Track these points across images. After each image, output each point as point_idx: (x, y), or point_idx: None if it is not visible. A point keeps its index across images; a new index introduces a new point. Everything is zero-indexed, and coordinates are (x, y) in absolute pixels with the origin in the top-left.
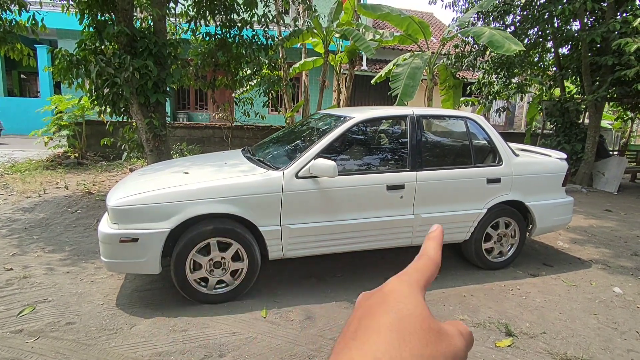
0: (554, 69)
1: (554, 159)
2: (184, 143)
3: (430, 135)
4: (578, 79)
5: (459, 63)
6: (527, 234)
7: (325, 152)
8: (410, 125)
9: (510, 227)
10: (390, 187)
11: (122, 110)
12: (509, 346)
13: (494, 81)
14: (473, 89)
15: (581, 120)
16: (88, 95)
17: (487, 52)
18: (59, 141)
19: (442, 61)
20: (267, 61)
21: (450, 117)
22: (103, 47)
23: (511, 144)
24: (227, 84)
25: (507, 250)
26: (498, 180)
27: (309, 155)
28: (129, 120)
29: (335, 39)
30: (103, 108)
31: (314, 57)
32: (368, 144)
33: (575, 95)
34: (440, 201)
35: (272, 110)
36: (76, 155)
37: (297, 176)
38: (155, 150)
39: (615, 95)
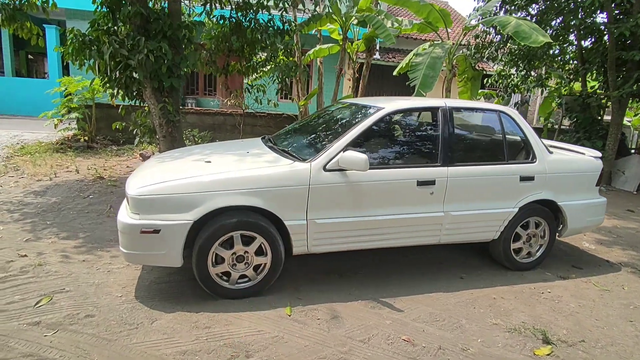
0: (574, 62)
1: (589, 157)
2: (195, 130)
3: (462, 129)
4: (600, 74)
5: (478, 54)
6: (557, 234)
7: (354, 144)
8: (442, 118)
9: (540, 227)
10: (421, 183)
11: (134, 94)
12: (548, 355)
13: (513, 74)
14: (491, 81)
15: (601, 117)
16: (100, 77)
17: (508, 44)
18: (69, 124)
19: (461, 51)
20: (282, 47)
21: (483, 110)
22: (116, 27)
23: (545, 141)
24: (240, 70)
25: (536, 251)
26: (531, 178)
27: (337, 147)
28: (141, 104)
29: (352, 26)
30: (115, 91)
31: (330, 44)
32: (398, 137)
33: (598, 91)
34: (471, 199)
35: (282, 97)
36: (86, 138)
37: (325, 169)
38: (168, 137)
39: (638, 92)
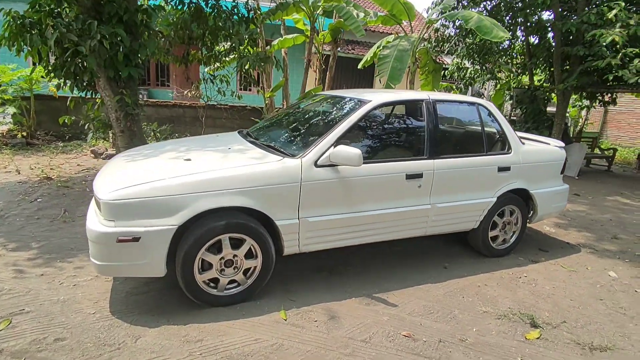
0: (522, 57)
1: (554, 147)
2: (153, 123)
3: (444, 121)
4: (546, 68)
5: (438, 47)
6: (527, 221)
7: (343, 139)
8: (426, 111)
9: (514, 214)
10: (410, 176)
11: (85, 84)
12: (537, 338)
13: (469, 67)
14: (447, 74)
15: (546, 108)
16: (43, 65)
17: (466, 38)
18: (3, 118)
19: (422, 45)
20: (247, 36)
21: (462, 103)
22: (60, 9)
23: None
24: (200, 59)
25: (510, 238)
26: (508, 169)
27: (327, 142)
28: (93, 96)
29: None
30: (62, 81)
31: (294, 35)
32: (384, 130)
33: (544, 84)
34: (455, 190)
35: (241, 89)
36: (24, 134)
37: (316, 165)
38: (126, 131)
39: (580, 85)
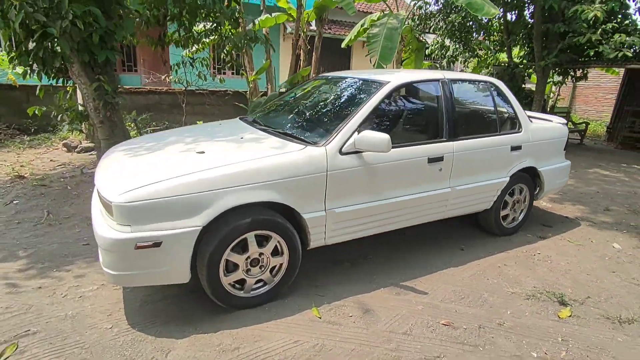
0: (499, 34)
1: (558, 125)
2: (133, 112)
3: (459, 101)
4: (524, 45)
5: (421, 25)
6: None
7: (364, 123)
8: (443, 91)
9: (522, 193)
10: (431, 160)
11: (55, 71)
12: (569, 316)
13: (450, 45)
14: (428, 52)
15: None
16: (5, 50)
17: (451, 15)
18: None
19: (406, 23)
20: (230, 15)
21: (475, 81)
22: None
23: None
24: (178, 41)
25: (519, 216)
26: (519, 148)
27: (350, 127)
28: (64, 84)
29: None
30: (29, 68)
31: (277, 13)
32: (403, 113)
33: (524, 61)
34: (472, 172)
35: (215, 73)
36: None
37: (340, 152)
38: (106, 122)
39: (560, 61)
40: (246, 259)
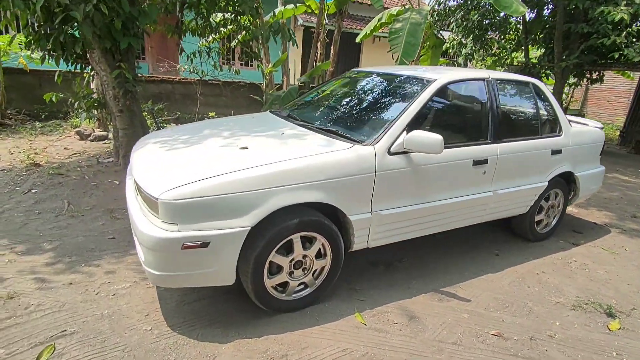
0: (516, 33)
1: (596, 129)
2: (149, 102)
3: (503, 102)
4: (542, 45)
5: (441, 22)
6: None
7: (414, 122)
8: (488, 91)
9: (557, 198)
10: (476, 162)
11: (75, 57)
12: (619, 329)
13: (466, 43)
14: (445, 49)
15: None
16: (25, 33)
17: (472, 12)
18: None
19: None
20: (252, 4)
21: (517, 82)
22: None
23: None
24: (195, 30)
25: (552, 221)
26: (560, 152)
27: (398, 126)
28: (82, 70)
29: None
30: (48, 53)
31: (291, 5)
32: (448, 112)
33: (542, 62)
34: (513, 176)
35: (224, 63)
36: None
37: (389, 152)
38: (126, 111)
39: (581, 63)
40: (290, 261)
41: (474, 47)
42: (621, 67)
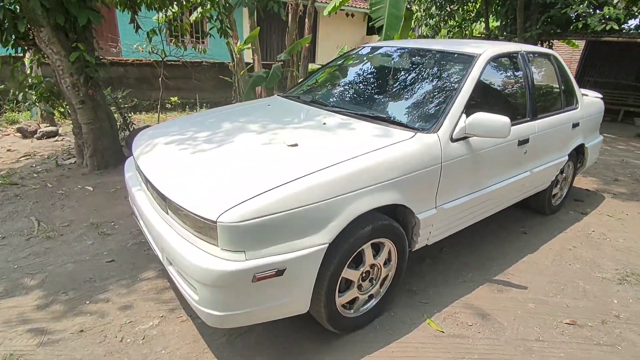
0: (472, 3)
1: (597, 99)
2: (108, 88)
3: (534, 77)
4: (506, 15)
5: None
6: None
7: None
8: (523, 65)
9: (569, 169)
10: (520, 142)
11: (17, 37)
12: None
13: (435, 14)
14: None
15: None
16: None
17: None
18: None
19: None
20: None
21: (540, 54)
22: None
23: None
24: (151, 3)
25: (563, 193)
26: (578, 125)
27: (456, 109)
28: (23, 53)
29: None
30: None
31: None
32: (493, 90)
33: (504, 33)
34: (545, 153)
35: (171, 41)
36: None
37: (451, 139)
38: (88, 102)
39: (543, 33)
40: (361, 274)
41: (441, 18)
42: (584, 36)
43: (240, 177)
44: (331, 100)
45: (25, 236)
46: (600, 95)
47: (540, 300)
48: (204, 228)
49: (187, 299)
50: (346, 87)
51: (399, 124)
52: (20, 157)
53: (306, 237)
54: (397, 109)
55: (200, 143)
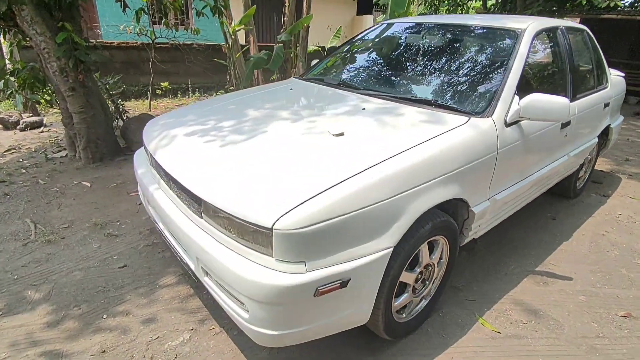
0: None
1: (620, 78)
2: (97, 74)
3: (572, 54)
4: None
5: None
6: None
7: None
8: (564, 41)
9: (593, 151)
10: (563, 125)
11: None
12: None
13: None
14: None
15: None
16: None
17: None
18: None
19: None
20: None
21: (575, 30)
22: None
23: None
24: None
25: (586, 175)
26: (608, 104)
27: (508, 89)
28: (4, 36)
29: None
30: None
31: None
32: (537, 68)
33: (503, 10)
34: (581, 135)
35: (154, 22)
36: None
37: (506, 123)
38: (79, 89)
39: (544, 10)
40: (417, 276)
41: None
42: (585, 13)
43: (289, 174)
44: (362, 82)
45: (21, 241)
46: (623, 74)
47: (590, 293)
48: (254, 236)
49: (233, 317)
50: (377, 68)
51: (448, 108)
52: (4, 152)
53: (371, 242)
54: (440, 91)
55: (227, 134)
